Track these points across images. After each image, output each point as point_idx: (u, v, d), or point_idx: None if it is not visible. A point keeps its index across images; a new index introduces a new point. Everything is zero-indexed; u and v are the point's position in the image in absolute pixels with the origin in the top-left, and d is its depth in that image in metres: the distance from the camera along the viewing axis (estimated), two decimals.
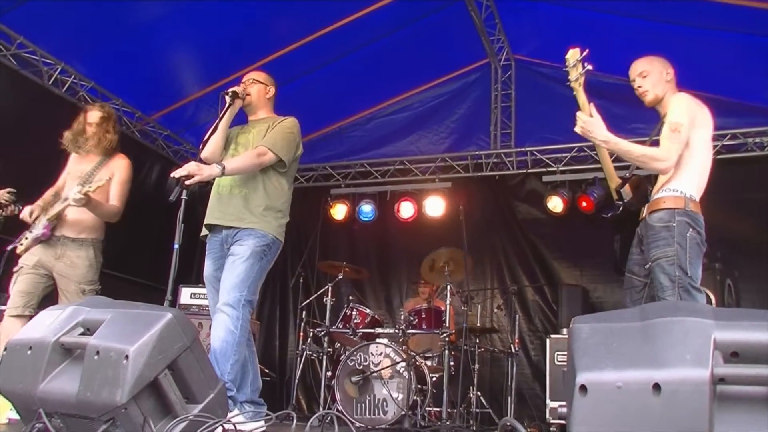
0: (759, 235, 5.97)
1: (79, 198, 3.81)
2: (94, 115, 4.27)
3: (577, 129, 3.24)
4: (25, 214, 4.08)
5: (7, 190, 4.29)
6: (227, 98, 3.65)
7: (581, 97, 3.23)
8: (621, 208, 3.48)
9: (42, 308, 4.58)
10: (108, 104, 4.77)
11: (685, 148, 3.15)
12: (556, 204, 6.82)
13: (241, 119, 3.90)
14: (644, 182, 3.39)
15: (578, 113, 3.24)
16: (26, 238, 4.06)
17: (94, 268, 4.12)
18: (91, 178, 4.06)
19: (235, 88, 3.70)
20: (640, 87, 3.41)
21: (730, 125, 6.18)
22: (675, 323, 1.65)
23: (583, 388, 1.63)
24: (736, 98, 5.99)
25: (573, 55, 3.19)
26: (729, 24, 5.29)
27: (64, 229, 4.07)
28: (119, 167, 4.23)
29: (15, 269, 4.04)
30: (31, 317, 3.73)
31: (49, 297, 4.05)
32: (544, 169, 7.12)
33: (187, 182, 3.21)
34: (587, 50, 3.15)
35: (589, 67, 3.15)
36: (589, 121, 3.19)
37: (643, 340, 1.66)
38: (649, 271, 3.16)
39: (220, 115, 3.63)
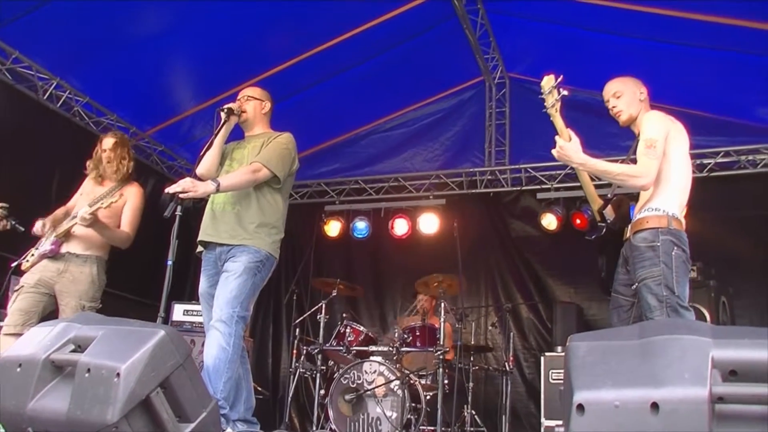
0: (753, 252, 5.99)
1: (86, 217, 3.84)
2: (108, 141, 4.36)
3: (555, 152, 3.26)
4: (38, 227, 4.12)
5: (0, 204, 4.29)
6: (222, 115, 3.66)
7: (558, 122, 3.24)
8: (605, 230, 3.50)
9: None
10: (121, 132, 4.84)
11: (663, 163, 3.17)
12: (550, 221, 6.82)
13: (237, 135, 3.90)
14: (626, 202, 3.42)
15: (556, 137, 3.26)
16: (32, 255, 4.07)
17: (96, 285, 4.12)
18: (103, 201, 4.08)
19: (230, 105, 3.70)
20: (614, 107, 3.44)
21: (722, 143, 6.22)
22: (673, 341, 1.63)
23: (581, 407, 1.61)
24: (726, 116, 6.05)
25: (548, 81, 3.19)
26: (719, 42, 5.34)
27: (70, 245, 4.10)
28: (132, 194, 4.29)
29: (16, 288, 4.02)
30: None
31: (49, 317, 4.02)
32: (538, 187, 7.13)
33: (182, 197, 3.20)
34: (561, 76, 3.16)
35: (565, 92, 3.16)
36: (565, 146, 3.21)
37: (640, 358, 1.65)
38: (636, 291, 3.16)
39: (216, 132, 3.63)
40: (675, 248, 3.07)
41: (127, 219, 4.22)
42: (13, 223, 4.16)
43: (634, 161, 3.26)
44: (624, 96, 3.40)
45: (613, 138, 6.25)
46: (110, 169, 4.30)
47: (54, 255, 4.05)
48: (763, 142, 6.14)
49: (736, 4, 4.83)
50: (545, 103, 3.21)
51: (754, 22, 4.95)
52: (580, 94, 6.18)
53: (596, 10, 5.46)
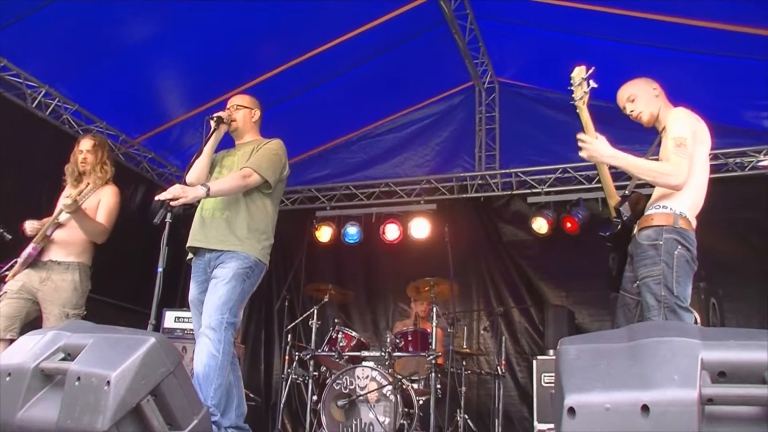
0: (742, 254, 6.03)
1: (69, 203, 3.85)
2: (86, 143, 4.34)
3: (583, 154, 3.18)
4: (28, 227, 4.12)
5: None
6: (212, 123, 3.65)
7: (584, 115, 3.18)
8: (619, 226, 3.39)
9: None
10: (100, 135, 4.81)
11: None
12: (541, 225, 6.84)
13: (227, 143, 3.89)
14: (643, 200, 3.30)
15: (580, 135, 3.19)
16: (14, 264, 4.05)
17: (79, 292, 4.10)
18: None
19: (219, 114, 3.69)
20: (632, 111, 3.37)
21: (712, 146, 6.23)
22: (662, 343, 1.64)
23: (572, 410, 1.61)
24: (715, 119, 6.06)
25: (578, 73, 3.14)
26: (707, 47, 5.39)
27: (51, 253, 4.09)
28: (106, 193, 4.28)
29: None
30: (12, 341, 3.70)
31: (33, 324, 4.00)
32: (528, 191, 7.15)
33: (172, 203, 3.19)
34: (593, 68, 3.10)
35: (594, 85, 3.10)
36: (594, 142, 3.15)
37: (630, 360, 1.65)
38: (639, 289, 3.13)
39: (205, 140, 3.62)
40: (678, 247, 3.02)
41: (103, 213, 4.20)
42: (1, 231, 4.15)
43: (655, 157, 3.21)
44: (639, 97, 3.34)
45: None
46: (88, 171, 4.28)
47: (34, 261, 4.03)
48: (752, 144, 6.19)
49: (725, 9, 4.87)
50: (573, 95, 3.15)
51: (746, 27, 4.99)
52: (571, 100, 6.21)
53: (585, 15, 5.50)
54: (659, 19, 5.23)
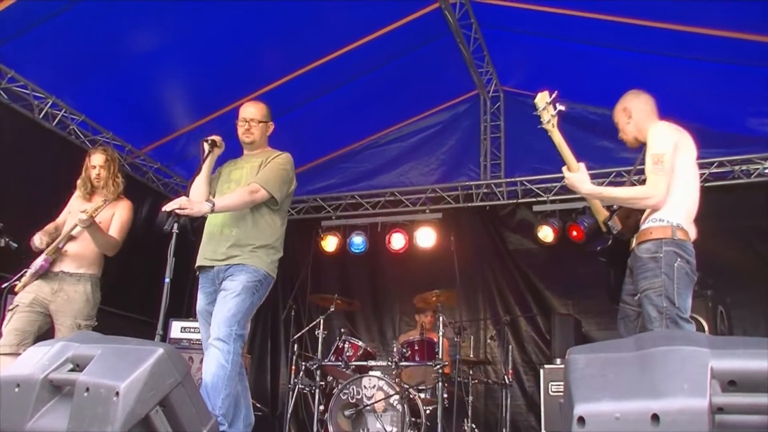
0: (749, 262, 6.01)
1: (84, 218, 3.89)
2: (98, 158, 4.36)
3: (566, 183, 3.33)
4: (35, 240, 4.12)
5: None
6: (206, 146, 3.61)
7: (557, 138, 3.24)
8: (610, 241, 3.48)
9: None
10: (111, 148, 4.84)
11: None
12: (546, 234, 6.83)
13: (234, 153, 3.90)
14: (635, 213, 3.37)
15: (563, 169, 3.30)
16: (25, 274, 4.06)
17: (91, 303, 4.13)
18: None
19: (214, 137, 3.65)
20: (621, 132, 3.50)
21: (716, 154, 6.25)
22: (672, 352, 1.64)
23: (581, 419, 1.61)
24: (719, 127, 6.08)
25: (542, 98, 3.19)
26: (710, 54, 5.40)
27: (63, 264, 4.11)
28: (121, 207, 4.34)
29: (10, 308, 4.01)
30: None
31: (44, 336, 4.00)
32: (534, 199, 7.15)
33: (179, 212, 3.20)
34: (556, 92, 3.17)
35: (561, 108, 3.16)
36: (571, 177, 3.26)
37: (640, 370, 1.65)
38: (640, 301, 3.16)
39: (201, 163, 3.61)
40: (678, 259, 3.06)
41: (116, 228, 4.26)
42: (7, 240, 4.16)
43: (641, 172, 3.27)
44: (632, 117, 3.42)
45: (606, 151, 6.30)
46: (101, 187, 4.33)
47: (45, 272, 4.05)
48: (757, 152, 6.18)
49: (727, 16, 4.87)
50: (541, 119, 3.20)
51: (746, 34, 5.00)
52: (574, 107, 6.23)
53: (589, 24, 5.51)
54: (664, 28, 5.24)
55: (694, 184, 3.28)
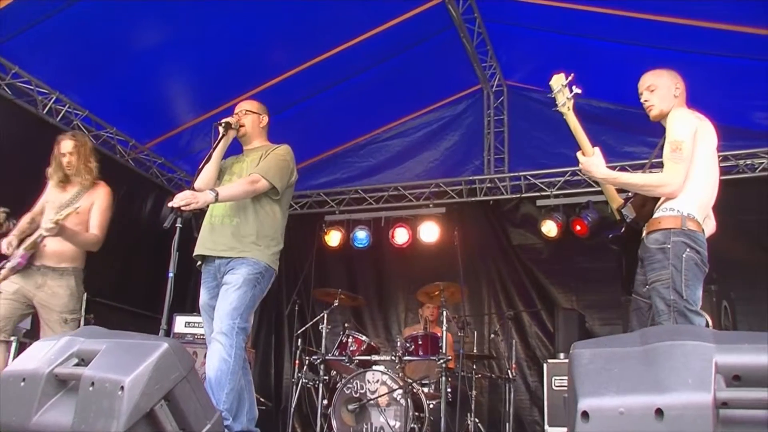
0: (753, 257, 5.99)
1: (50, 227, 3.74)
2: (66, 144, 4.18)
3: (581, 167, 3.23)
4: (3, 247, 4.02)
5: (1, 209, 4.25)
6: (220, 129, 3.65)
7: (572, 121, 3.17)
8: (623, 229, 3.38)
9: (26, 338, 4.55)
10: (80, 133, 4.69)
11: None
12: (550, 228, 6.82)
13: (235, 150, 3.90)
14: (650, 201, 3.26)
15: (578, 154, 3.20)
16: (2, 268, 4.00)
17: (75, 297, 4.06)
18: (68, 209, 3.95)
19: (228, 119, 3.69)
20: (646, 101, 3.33)
21: (720, 148, 6.15)
22: (676, 347, 1.64)
23: (585, 414, 1.61)
24: (724, 121, 6.04)
25: (557, 80, 3.13)
26: (715, 48, 5.38)
27: (44, 258, 4.00)
28: (99, 195, 4.17)
29: None
30: (5, 342, 3.69)
31: (30, 330, 3.98)
32: (537, 194, 7.14)
33: (183, 208, 3.20)
34: (572, 74, 3.10)
35: (578, 90, 3.09)
36: (586, 161, 3.17)
37: (644, 364, 1.65)
38: (650, 293, 3.11)
39: (214, 146, 3.62)
40: (687, 250, 2.98)
41: (96, 221, 4.08)
42: (15, 223, 4.14)
43: (658, 164, 3.19)
44: (658, 90, 3.28)
45: (609, 145, 6.28)
46: (74, 174, 4.15)
47: (23, 268, 3.94)
48: (762, 146, 6.16)
49: (732, 10, 4.85)
50: (556, 102, 3.14)
51: (751, 28, 4.98)
52: (577, 101, 6.19)
53: (593, 18, 5.49)
54: (668, 21, 5.22)
55: (713, 174, 3.19)
